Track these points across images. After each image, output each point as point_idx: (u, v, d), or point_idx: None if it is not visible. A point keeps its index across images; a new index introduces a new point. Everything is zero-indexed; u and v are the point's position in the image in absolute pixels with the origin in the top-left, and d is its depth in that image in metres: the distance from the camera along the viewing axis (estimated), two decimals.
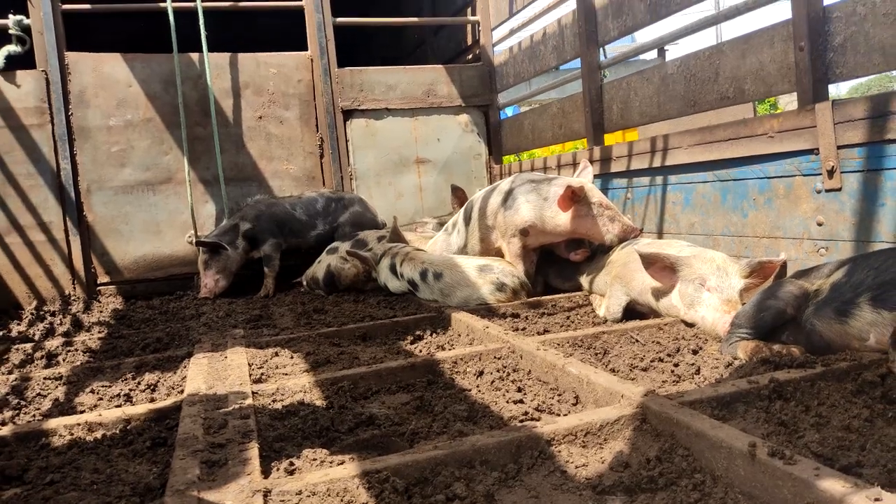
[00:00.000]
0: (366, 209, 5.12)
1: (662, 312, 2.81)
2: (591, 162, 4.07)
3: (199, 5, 5.04)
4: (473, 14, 6.05)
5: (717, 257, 2.65)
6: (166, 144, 5.12)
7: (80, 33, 5.60)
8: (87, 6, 5.16)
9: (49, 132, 4.83)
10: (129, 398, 2.35)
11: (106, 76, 5.00)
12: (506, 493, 1.43)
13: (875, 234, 2.46)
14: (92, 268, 4.97)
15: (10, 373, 2.80)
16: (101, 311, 4.42)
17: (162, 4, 5.04)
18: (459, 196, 4.81)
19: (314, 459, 1.61)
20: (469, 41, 6.36)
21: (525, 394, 2.08)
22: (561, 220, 3.41)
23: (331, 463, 1.58)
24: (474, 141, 5.92)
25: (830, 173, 2.59)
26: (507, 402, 2.02)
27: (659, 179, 3.69)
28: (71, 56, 4.91)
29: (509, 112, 8.58)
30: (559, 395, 2.06)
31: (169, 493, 1.37)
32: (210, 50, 5.09)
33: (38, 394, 2.48)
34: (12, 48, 4.69)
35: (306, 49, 5.48)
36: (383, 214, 5.25)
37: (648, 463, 1.47)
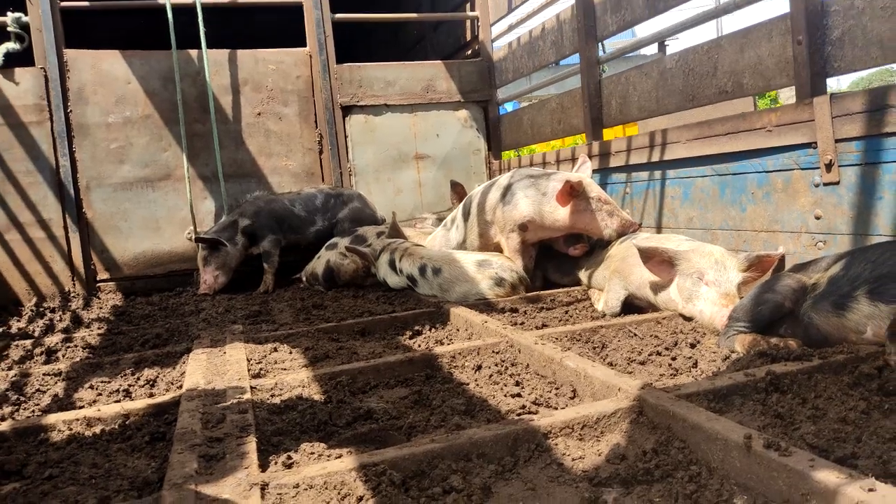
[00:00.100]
0: (365, 205, 5.12)
1: (661, 306, 2.81)
2: (590, 157, 4.07)
3: (198, 1, 5.03)
4: (472, 10, 6.04)
5: (715, 251, 2.65)
6: (165, 141, 5.12)
7: (78, 30, 5.61)
8: (86, 3, 5.16)
9: (48, 129, 4.84)
10: (128, 394, 2.36)
11: (105, 73, 5.00)
12: (502, 486, 1.43)
13: (873, 227, 2.46)
14: (91, 264, 4.97)
15: (9, 369, 2.81)
16: (100, 308, 4.43)
17: (160, 1, 5.03)
18: (458, 192, 4.81)
19: (312, 453, 1.61)
20: (468, 37, 6.35)
21: (523, 388, 2.09)
22: (560, 214, 3.41)
23: (328, 457, 1.59)
24: (473, 136, 5.92)
25: (828, 167, 2.59)
26: (505, 395, 2.02)
27: (658, 174, 3.69)
28: (70, 53, 4.91)
29: (509, 108, 8.58)
30: (557, 388, 2.07)
31: (166, 486, 1.38)
32: (209, 47, 5.09)
33: (38, 390, 2.49)
34: (11, 45, 4.69)
35: (305, 45, 5.48)
36: (382, 210, 5.25)
37: (645, 455, 1.47)
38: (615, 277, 3.03)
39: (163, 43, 5.01)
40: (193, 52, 5.15)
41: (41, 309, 4.46)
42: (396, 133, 5.69)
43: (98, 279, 5.00)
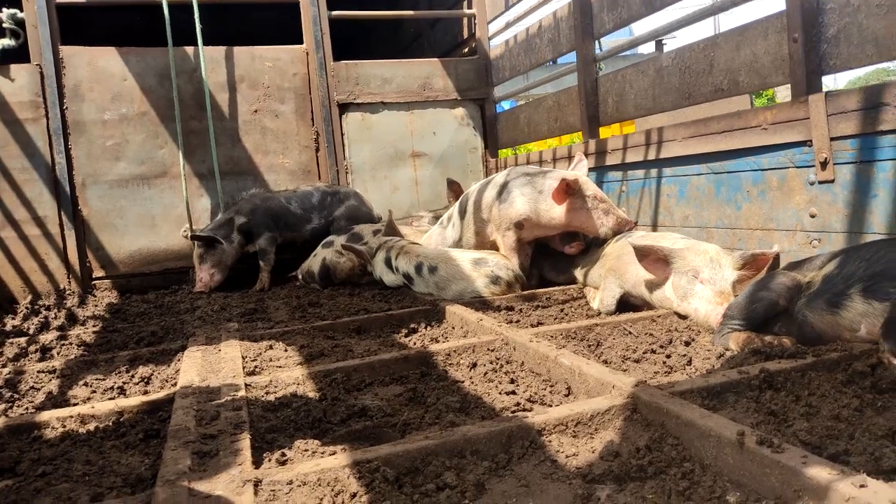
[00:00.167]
0: (361, 203, 5.11)
1: (656, 304, 2.81)
2: (587, 155, 4.07)
3: None
4: (469, 7, 6.03)
5: (710, 249, 2.65)
6: (161, 138, 5.11)
7: (75, 27, 5.58)
8: (82, 0, 5.15)
9: (44, 126, 4.82)
10: (122, 391, 2.36)
11: (101, 70, 4.98)
12: (496, 483, 1.43)
13: (867, 225, 2.46)
14: (87, 262, 4.96)
15: (3, 366, 2.80)
16: (95, 306, 4.42)
17: None
18: (455, 190, 4.81)
19: (306, 450, 1.61)
20: (465, 34, 6.34)
21: (518, 385, 2.09)
22: (556, 213, 3.41)
23: (322, 454, 1.59)
24: (470, 134, 5.91)
25: (823, 165, 2.59)
26: (500, 393, 2.03)
27: (654, 172, 3.69)
28: (65, 50, 4.90)
29: (506, 106, 8.57)
30: (551, 386, 2.07)
31: (159, 483, 1.38)
32: (205, 44, 5.08)
33: (32, 387, 2.49)
34: (6, 42, 4.68)
35: (302, 43, 5.47)
36: (379, 208, 5.25)
37: (638, 452, 1.47)
38: (610, 275, 3.03)
39: (159, 40, 5.00)
40: (190, 49, 5.14)
41: (36, 307, 4.45)
42: (393, 131, 5.68)
43: (93, 277, 4.99)
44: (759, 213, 2.97)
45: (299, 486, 1.36)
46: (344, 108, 5.53)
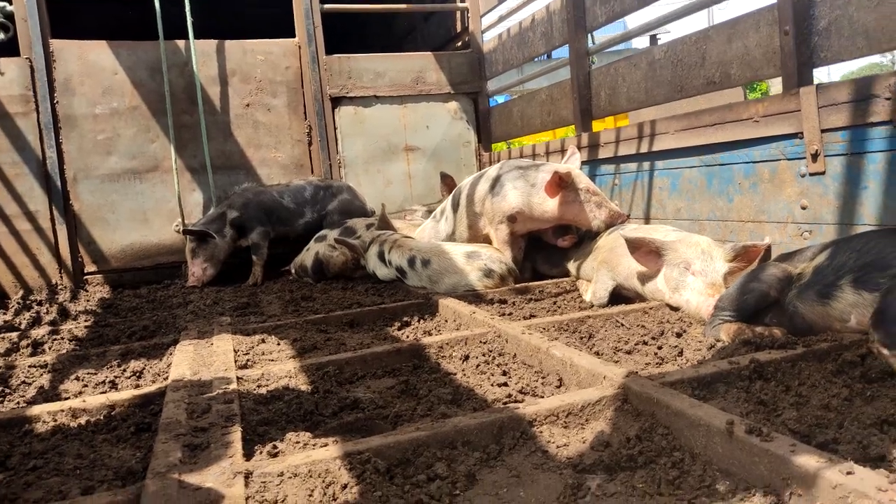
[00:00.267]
0: (354, 197, 5.10)
1: (648, 297, 2.82)
2: (580, 148, 4.07)
3: None
4: (463, 1, 6.02)
5: (701, 241, 2.66)
6: (153, 132, 5.09)
7: (67, 20, 5.56)
8: None
9: (34, 120, 4.79)
10: (114, 385, 2.35)
11: (91, 64, 4.95)
12: (487, 473, 1.43)
13: (858, 216, 2.47)
14: (79, 257, 4.94)
15: None
16: (87, 300, 4.40)
17: None
18: (448, 183, 4.80)
19: (297, 442, 1.61)
20: (458, 28, 6.33)
21: (510, 377, 2.10)
22: (548, 206, 3.41)
23: (314, 446, 1.59)
24: (463, 128, 5.91)
25: (814, 157, 2.60)
26: (492, 385, 2.03)
27: (646, 165, 3.70)
28: (56, 43, 4.86)
29: (500, 100, 8.56)
30: (543, 377, 2.07)
31: (150, 475, 1.37)
32: (197, 38, 5.05)
33: (23, 381, 2.48)
34: None
35: (294, 36, 5.45)
36: (372, 202, 5.24)
37: (628, 442, 1.48)
38: (603, 268, 3.03)
39: (152, 34, 4.97)
40: (181, 43, 5.11)
41: (28, 301, 4.43)
42: (386, 125, 5.67)
43: (85, 272, 4.97)
44: (751, 205, 2.98)
45: (290, 477, 1.36)
46: (337, 101, 5.51)
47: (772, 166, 2.83)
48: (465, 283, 3.43)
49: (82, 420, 1.96)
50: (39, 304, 4.34)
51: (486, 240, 3.75)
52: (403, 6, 6.39)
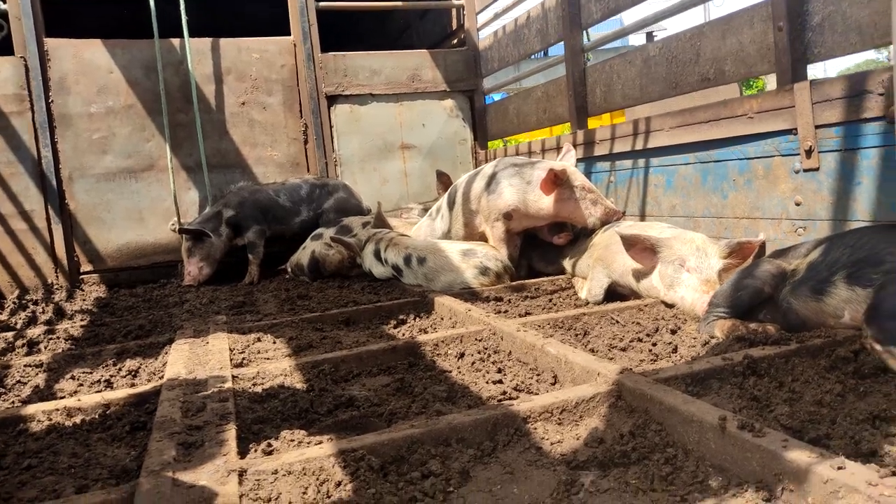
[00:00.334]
0: (350, 195, 5.10)
1: (643, 294, 2.82)
2: (575, 145, 4.07)
3: None
4: None
5: (696, 238, 2.67)
6: (148, 131, 5.08)
7: (62, 19, 5.54)
8: None
9: (29, 119, 4.78)
10: (109, 384, 2.35)
11: (86, 62, 4.94)
12: (481, 470, 1.44)
13: (851, 212, 2.48)
14: (74, 256, 4.94)
15: None
16: (83, 300, 4.40)
17: None
18: (444, 181, 4.81)
19: (292, 440, 1.61)
20: (454, 25, 6.32)
21: (505, 374, 2.10)
22: (544, 203, 3.41)
23: (308, 443, 1.59)
24: (459, 126, 5.90)
25: (808, 153, 2.60)
26: (487, 382, 2.03)
27: (641, 162, 3.70)
28: (50, 42, 4.85)
29: (497, 98, 8.55)
30: (538, 374, 2.08)
31: (144, 474, 1.38)
32: (194, 36, 5.04)
33: (18, 381, 2.47)
34: None
35: (289, 34, 5.44)
36: (368, 200, 5.24)
37: (622, 438, 1.48)
38: (598, 265, 3.04)
39: (149, 32, 4.96)
40: (176, 41, 5.10)
41: (24, 301, 4.42)
42: (382, 123, 5.67)
43: (81, 271, 4.97)
44: (746, 201, 2.98)
45: (284, 475, 1.37)
46: (332, 99, 5.51)
47: (766, 163, 2.84)
48: (461, 280, 3.44)
49: (77, 419, 1.96)
50: (35, 303, 4.34)
51: (483, 237, 3.75)
52: (399, 3, 6.38)
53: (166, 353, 2.65)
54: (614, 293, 2.97)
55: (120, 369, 2.50)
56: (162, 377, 2.26)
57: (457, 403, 1.86)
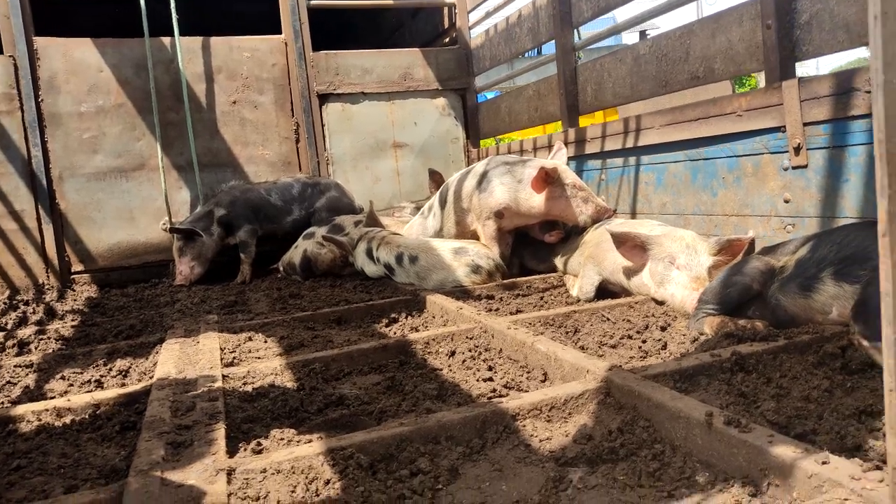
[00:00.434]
0: (342, 194, 5.10)
1: (634, 291, 2.83)
2: (567, 144, 4.08)
3: None
4: None
5: (686, 236, 2.68)
6: (139, 130, 5.06)
7: (53, 18, 5.51)
8: None
9: (19, 119, 4.76)
10: (100, 384, 2.34)
11: (76, 61, 4.92)
12: (470, 467, 1.44)
13: (840, 209, 2.49)
14: (65, 256, 4.92)
15: None
16: (74, 300, 4.38)
17: None
18: (437, 180, 4.81)
19: (282, 439, 1.61)
20: (446, 24, 6.32)
21: (495, 372, 2.10)
22: (535, 201, 3.42)
23: (298, 442, 1.59)
24: (452, 125, 5.90)
25: (797, 150, 2.62)
26: (478, 380, 2.04)
27: (632, 160, 3.71)
28: (40, 41, 4.83)
29: (491, 96, 8.55)
30: (528, 372, 2.08)
31: (132, 473, 1.37)
32: (186, 35, 5.03)
33: (8, 381, 2.46)
34: None
35: (280, 33, 5.43)
36: (360, 199, 5.23)
37: (610, 435, 1.49)
38: (589, 263, 3.05)
39: (141, 31, 4.94)
40: (166, 40, 5.08)
41: (14, 301, 4.40)
42: (374, 121, 5.66)
43: (72, 271, 4.95)
44: (735, 199, 2.99)
45: (273, 474, 1.37)
46: (324, 98, 5.50)
47: (755, 160, 2.85)
48: (452, 279, 3.44)
49: (67, 419, 1.95)
50: (26, 303, 4.32)
51: (474, 236, 3.76)
52: (390, 2, 6.38)
53: (157, 352, 2.65)
54: (605, 291, 2.98)
55: (110, 369, 2.49)
56: (152, 377, 2.25)
57: (447, 401, 1.87)
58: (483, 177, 3.61)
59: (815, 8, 2.57)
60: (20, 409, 1.97)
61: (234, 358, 2.44)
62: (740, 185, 2.95)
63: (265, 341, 2.70)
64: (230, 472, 1.36)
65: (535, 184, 3.35)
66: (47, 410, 1.97)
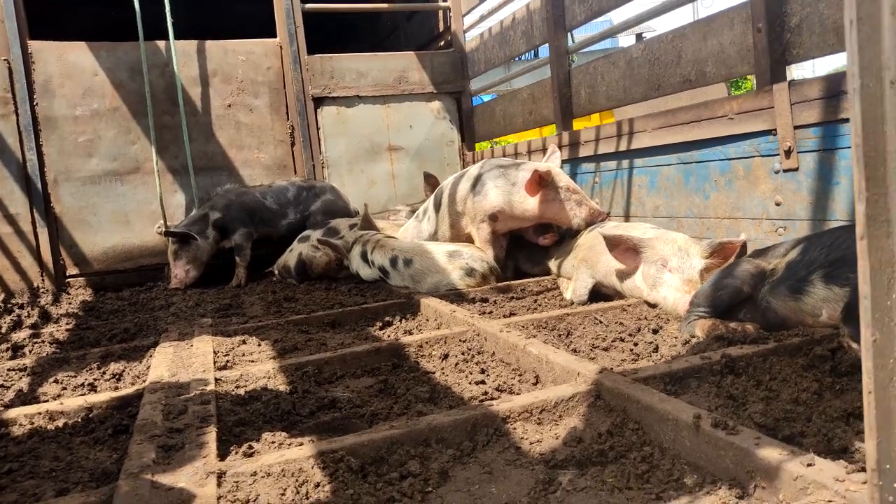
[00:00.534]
0: (338, 197, 5.10)
1: (627, 294, 2.84)
2: (560, 147, 4.10)
3: None
4: (444, 0, 6.02)
5: (678, 239, 2.69)
6: (134, 134, 5.06)
7: (48, 22, 5.51)
8: None
9: (14, 123, 4.75)
10: (93, 387, 2.34)
11: (71, 65, 4.92)
12: (460, 470, 1.45)
13: (830, 212, 2.51)
14: (60, 259, 4.91)
15: None
16: (69, 303, 4.38)
17: None
18: (432, 183, 4.82)
19: (273, 442, 1.62)
20: (441, 27, 6.34)
21: (488, 375, 2.11)
22: (529, 204, 3.43)
23: (289, 445, 1.59)
24: (447, 128, 5.91)
25: (788, 153, 2.63)
26: (470, 383, 2.04)
27: (625, 163, 3.72)
28: (34, 45, 4.83)
29: (487, 99, 8.57)
30: (520, 375, 2.09)
31: (123, 476, 1.38)
32: (182, 38, 5.03)
33: (1, 385, 2.46)
34: None
35: (275, 36, 5.43)
36: (356, 202, 5.24)
37: (600, 437, 1.49)
38: (582, 266, 3.06)
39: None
40: (161, 43, 5.09)
41: (9, 305, 4.39)
42: (369, 125, 5.67)
43: (67, 275, 4.94)
44: (727, 202, 3.01)
45: (263, 477, 1.37)
46: (319, 101, 5.50)
47: (746, 163, 2.87)
48: (447, 282, 3.45)
49: (60, 423, 1.96)
50: (21, 307, 4.31)
51: (469, 239, 3.77)
52: (385, 6, 6.39)
53: (151, 356, 2.65)
54: (599, 293, 2.99)
55: (104, 373, 2.50)
56: (145, 380, 2.26)
57: (439, 404, 1.87)
58: (477, 180, 3.62)
59: (804, 11, 2.59)
60: (13, 413, 1.97)
61: (227, 361, 2.45)
62: (732, 188, 2.96)
63: (259, 345, 2.70)
64: (220, 475, 1.36)
65: (529, 187, 3.36)
66: (40, 414, 1.97)
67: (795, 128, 2.57)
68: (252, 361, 2.45)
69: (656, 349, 2.17)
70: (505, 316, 2.81)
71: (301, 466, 1.40)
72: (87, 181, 4.96)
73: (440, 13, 6.29)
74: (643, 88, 3.59)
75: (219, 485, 1.34)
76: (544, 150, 4.34)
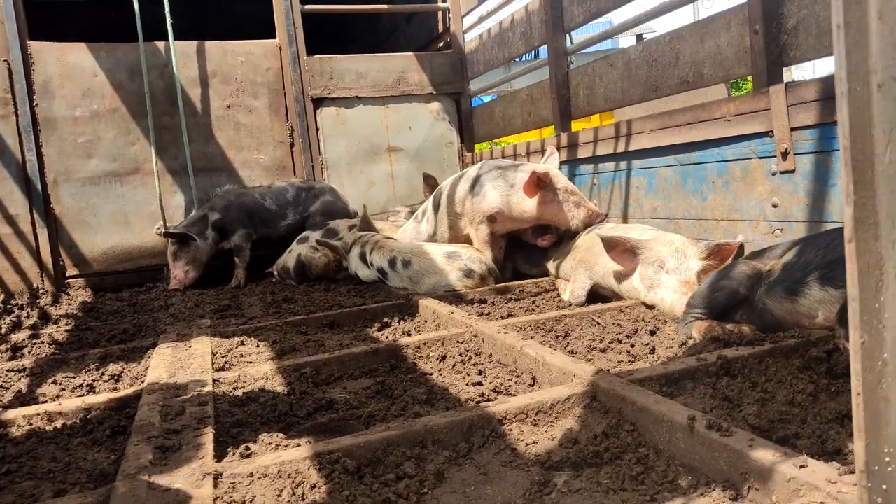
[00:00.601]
0: (337, 198, 5.11)
1: (624, 295, 2.85)
2: (559, 148, 4.10)
3: None
4: (444, 1, 6.03)
5: (676, 240, 2.69)
6: (133, 135, 5.07)
7: (47, 23, 5.52)
8: None
9: (13, 123, 4.76)
10: (91, 388, 2.35)
11: (71, 66, 4.93)
12: (456, 472, 1.45)
13: (827, 214, 2.51)
14: (60, 260, 4.92)
15: None
16: (69, 304, 4.39)
17: None
18: (431, 184, 4.82)
19: (270, 443, 1.63)
20: (440, 28, 6.34)
21: (485, 376, 2.12)
22: (527, 206, 3.44)
23: (286, 446, 1.60)
24: (446, 129, 5.92)
25: (784, 155, 2.64)
26: (467, 384, 2.05)
27: (623, 164, 3.73)
28: (34, 45, 4.84)
29: (487, 100, 8.58)
30: (517, 376, 2.09)
31: (120, 477, 1.39)
32: (182, 39, 5.04)
33: (0, 386, 2.47)
34: None
35: (275, 37, 5.44)
36: (355, 203, 5.24)
37: (595, 439, 1.50)
38: (580, 267, 3.06)
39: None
40: (161, 44, 5.10)
41: (9, 306, 4.40)
42: (368, 125, 5.68)
43: (67, 275, 4.95)
44: (724, 203, 3.01)
45: (259, 478, 1.38)
46: (318, 102, 5.51)
47: (743, 165, 2.87)
48: (445, 283, 3.45)
49: (58, 423, 1.96)
50: (20, 308, 4.32)
51: (467, 240, 3.77)
52: (384, 7, 6.40)
53: (149, 357, 2.66)
54: (596, 295, 3.00)
55: (103, 374, 2.50)
56: (143, 381, 2.26)
57: (436, 406, 1.88)
58: (476, 181, 3.63)
59: (801, 13, 2.59)
60: (11, 414, 1.98)
61: (225, 362, 2.45)
62: (729, 189, 2.97)
63: (257, 346, 2.71)
64: (217, 477, 1.37)
65: (527, 188, 3.37)
66: (39, 415, 1.98)
67: (792, 129, 2.58)
68: (250, 362, 2.46)
69: (653, 350, 2.17)
70: (503, 317, 2.81)
71: (297, 468, 1.41)
72: (86, 182, 4.97)
73: (439, 14, 6.29)
74: (641, 90, 3.59)
75: (215, 486, 1.34)
76: (543, 151, 4.35)
